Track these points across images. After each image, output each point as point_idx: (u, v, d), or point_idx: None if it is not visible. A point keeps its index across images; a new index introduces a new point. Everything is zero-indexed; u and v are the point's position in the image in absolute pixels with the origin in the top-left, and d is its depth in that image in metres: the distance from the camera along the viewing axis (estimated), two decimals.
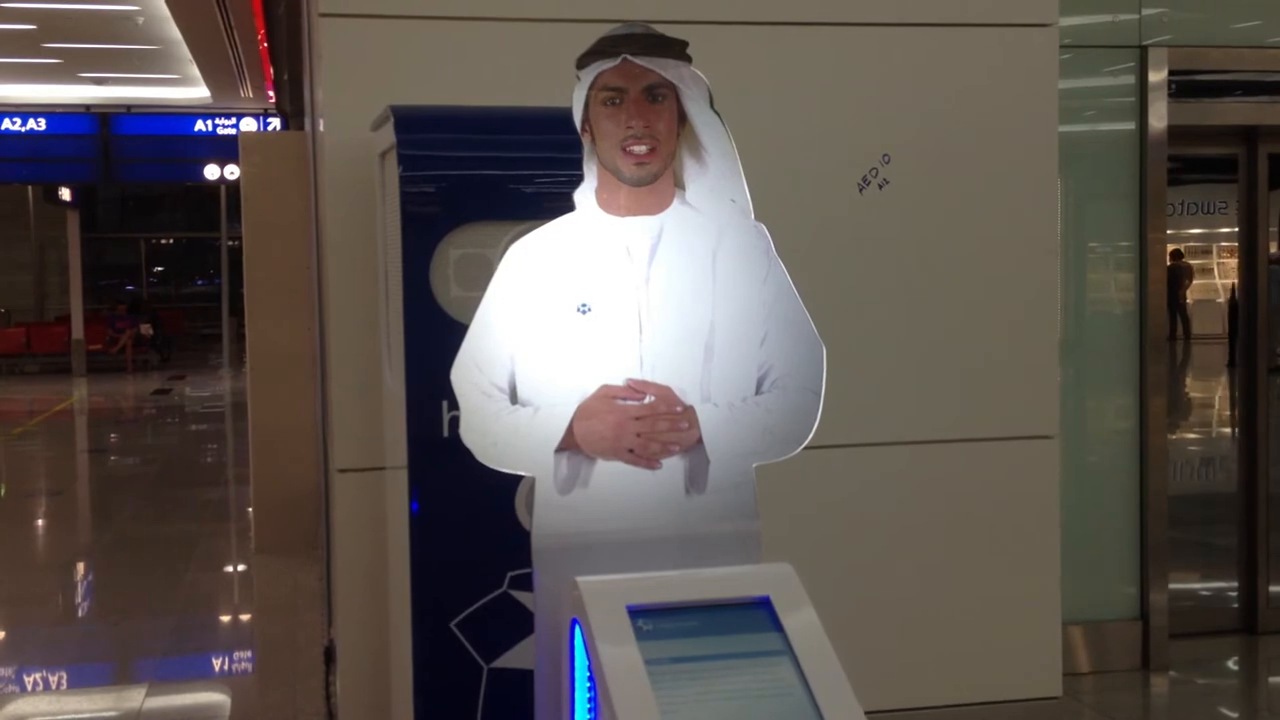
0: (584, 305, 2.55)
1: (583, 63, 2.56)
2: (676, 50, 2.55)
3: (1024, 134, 4.51)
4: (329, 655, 4.94)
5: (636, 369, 2.56)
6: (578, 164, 3.44)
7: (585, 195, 2.60)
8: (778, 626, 2.39)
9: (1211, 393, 14.49)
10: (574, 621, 2.44)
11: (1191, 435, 11.26)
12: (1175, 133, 5.83)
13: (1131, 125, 5.83)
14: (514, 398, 2.58)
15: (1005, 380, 4.50)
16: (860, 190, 4.26)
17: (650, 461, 2.56)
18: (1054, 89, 4.55)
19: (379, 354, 3.88)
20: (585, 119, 2.59)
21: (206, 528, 9.71)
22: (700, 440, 2.57)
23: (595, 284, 2.56)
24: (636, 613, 2.36)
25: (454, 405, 3.33)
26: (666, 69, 2.54)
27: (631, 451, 2.55)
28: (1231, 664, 6.31)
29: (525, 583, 3.39)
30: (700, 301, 2.57)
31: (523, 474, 2.60)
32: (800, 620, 2.37)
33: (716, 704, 2.24)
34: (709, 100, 2.56)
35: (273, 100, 17.38)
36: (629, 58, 2.52)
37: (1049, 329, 4.56)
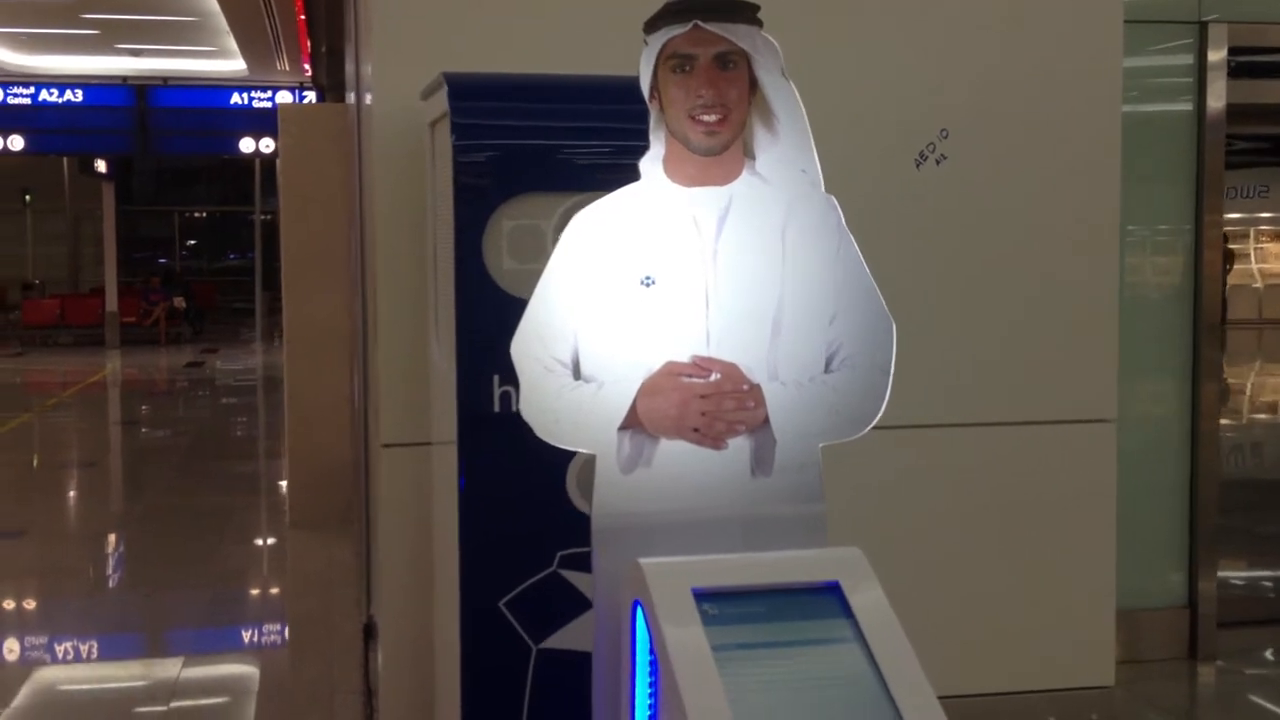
0: (648, 278, 2.47)
1: (651, 27, 2.48)
2: (748, 14, 2.46)
3: (1087, 112, 4.39)
4: (369, 632, 4.90)
5: (703, 345, 2.48)
6: (635, 134, 3.36)
7: (652, 164, 2.51)
8: (847, 612, 2.31)
9: (1249, 379, 14.38)
10: (635, 603, 2.37)
11: (1234, 421, 11.16)
12: (1231, 112, 5.71)
13: (1188, 105, 5.70)
14: (577, 373, 2.50)
15: (1064, 363, 4.40)
16: (917, 166, 4.16)
17: (716, 441, 2.48)
18: (1118, 64, 4.44)
19: (427, 328, 3.81)
20: (653, 86, 2.50)
21: (240, 501, 9.70)
22: (767, 420, 2.49)
23: (660, 256, 2.48)
24: (701, 596, 2.29)
25: (505, 380, 3.30)
26: (738, 35, 2.45)
27: (696, 431, 2.48)
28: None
29: (575, 562, 3.33)
30: (769, 276, 2.49)
31: (583, 451, 2.52)
32: (871, 606, 2.29)
33: (784, 692, 2.16)
34: (781, 67, 2.47)
35: (309, 74, 17.33)
36: (700, 23, 2.44)
37: (1109, 311, 4.45)
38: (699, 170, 2.48)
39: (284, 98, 19.05)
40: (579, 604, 3.31)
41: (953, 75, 4.27)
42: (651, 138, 2.52)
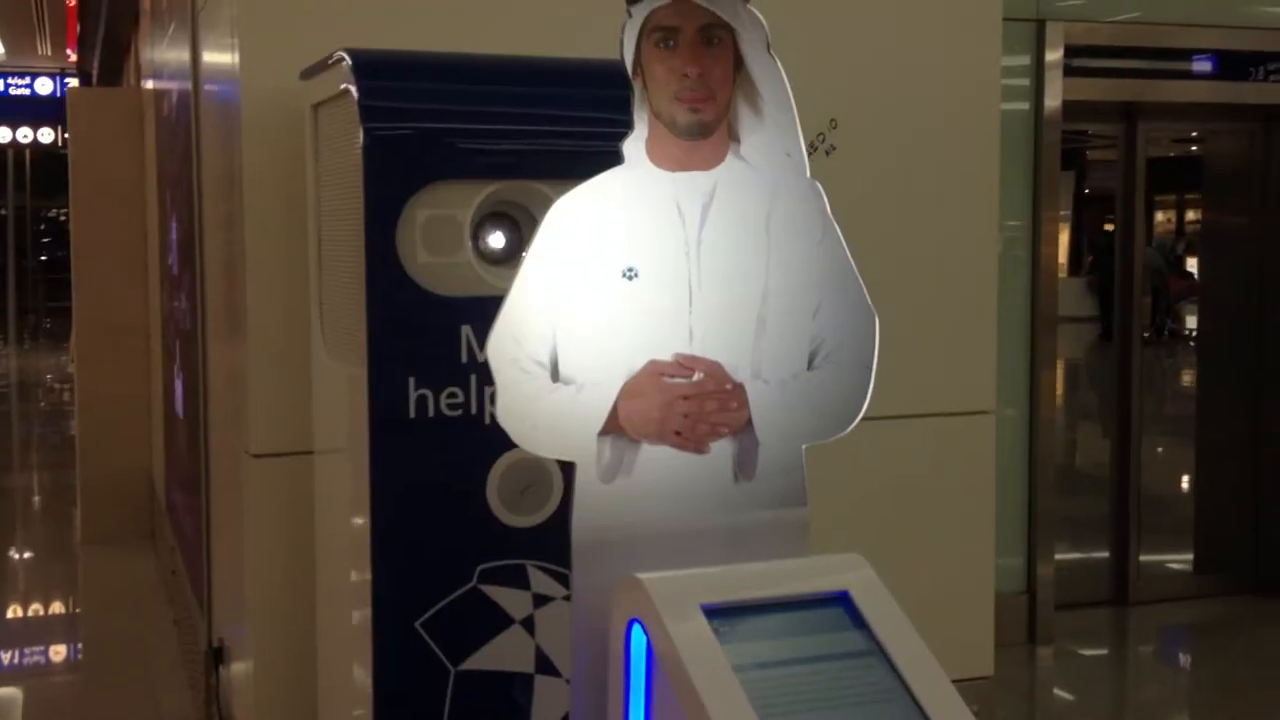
0: (630, 270, 2.29)
1: None
2: None
3: (966, 106, 4.39)
4: (218, 656, 4.54)
5: (686, 342, 2.31)
6: (554, 119, 3.20)
7: (635, 146, 2.32)
8: (859, 624, 2.18)
9: (1078, 371, 14.95)
10: (632, 622, 2.19)
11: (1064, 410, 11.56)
12: (1066, 110, 5.84)
13: (1025, 104, 5.80)
14: (555, 375, 2.29)
15: (945, 355, 4.38)
16: (808, 156, 4.07)
17: (698, 445, 2.32)
18: (997, 60, 4.45)
19: (308, 326, 3.52)
20: (637, 62, 2.31)
21: (24, 516, 9.03)
22: (750, 422, 2.34)
23: (643, 247, 2.29)
24: (710, 612, 2.12)
25: (422, 382, 3.06)
26: (723, 8, 2.28)
27: (678, 434, 2.31)
28: (1110, 634, 6.41)
29: (496, 577, 3.11)
30: (754, 268, 2.33)
31: (563, 458, 2.32)
32: (887, 616, 2.17)
33: (816, 712, 2.02)
34: (767, 43, 2.32)
35: (72, 60, 16.30)
36: None
37: (988, 304, 4.46)
38: (684, 154, 2.31)
39: (44, 85, 17.85)
40: (500, 621, 3.10)
41: (840, 65, 4.20)
42: (635, 117, 2.33)
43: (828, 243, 2.39)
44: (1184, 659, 6.36)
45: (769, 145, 2.35)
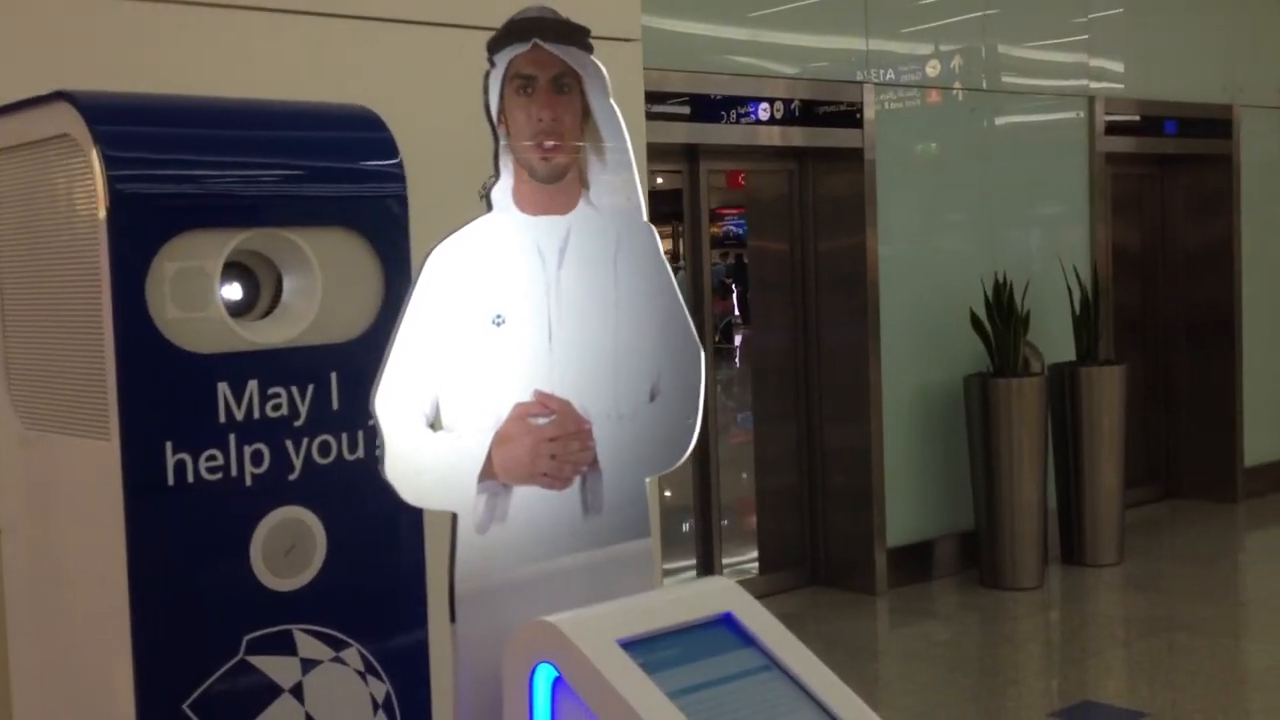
0: (499, 317, 2.30)
1: (494, 46, 2.31)
2: (581, 38, 2.36)
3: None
4: None
5: (547, 383, 2.35)
6: (292, 166, 3.08)
7: (502, 193, 2.34)
8: (748, 641, 2.30)
9: None
10: (538, 665, 2.19)
11: None
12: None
13: None
14: (437, 425, 2.26)
15: None
16: (481, 198, 4.11)
17: (564, 484, 2.37)
18: (640, 103, 4.68)
19: None
20: (501, 109, 2.33)
21: None
22: (595, 458, 2.41)
23: (509, 292, 2.32)
24: (624, 645, 2.17)
25: (181, 446, 2.85)
26: (572, 58, 2.35)
27: (545, 475, 2.35)
28: None
29: (264, 646, 2.95)
30: (605, 308, 2.41)
31: (447, 509, 2.29)
32: (773, 632, 2.30)
33: None
34: (609, 92, 2.41)
35: None
36: (539, 42, 2.31)
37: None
38: (545, 198, 2.36)
39: None
40: (270, 692, 2.94)
41: None
42: (500, 165, 2.34)
43: (661, 280, 2.50)
44: None
45: (612, 190, 2.44)
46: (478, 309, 2.29)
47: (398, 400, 2.23)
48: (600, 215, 2.44)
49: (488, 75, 2.32)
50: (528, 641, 2.21)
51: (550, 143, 2.34)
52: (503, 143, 2.35)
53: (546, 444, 2.33)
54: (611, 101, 2.41)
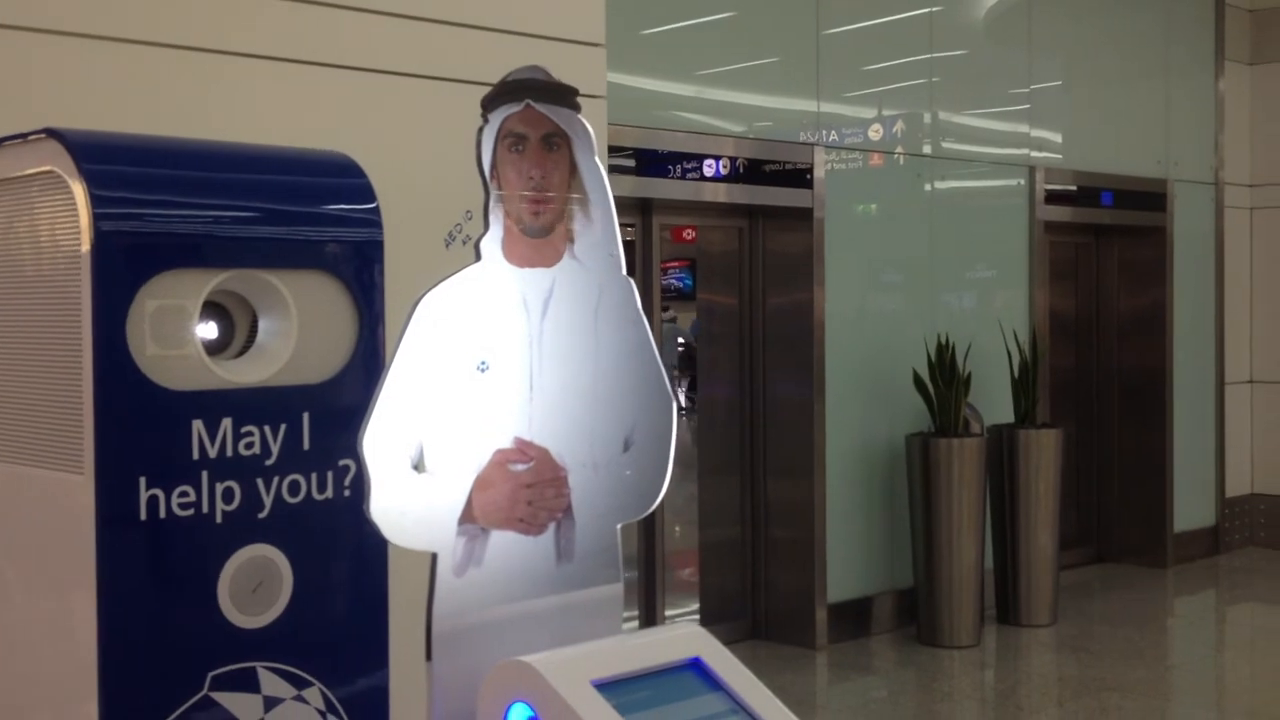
0: (483, 364, 2.37)
1: (489, 105, 2.40)
2: (569, 98, 2.46)
3: None
4: None
5: (525, 430, 2.42)
6: (271, 210, 3.13)
7: (491, 245, 2.42)
8: (715, 685, 2.37)
9: None
10: (512, 703, 2.25)
11: None
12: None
13: None
14: (421, 467, 2.32)
15: None
16: (447, 246, 4.19)
17: (540, 530, 2.44)
18: (605, 158, 4.76)
19: None
20: (493, 165, 2.41)
21: None
22: (569, 505, 2.49)
23: (494, 340, 2.39)
24: (599, 687, 2.24)
25: (154, 482, 2.88)
26: (561, 118, 2.44)
27: (522, 521, 2.41)
28: None
29: (228, 682, 2.98)
30: (585, 359, 2.49)
31: (429, 549, 2.34)
32: (739, 678, 2.37)
33: None
34: (595, 151, 2.50)
35: None
36: (531, 103, 2.40)
37: None
38: (532, 251, 2.44)
39: None
40: None
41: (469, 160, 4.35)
42: (490, 217, 2.42)
43: (639, 333, 2.59)
44: None
45: (596, 246, 2.53)
46: (463, 355, 2.36)
47: (384, 441, 2.29)
48: (583, 268, 2.52)
49: (481, 131, 2.41)
50: (503, 680, 2.26)
51: (540, 197, 2.43)
52: (494, 196, 2.44)
53: (524, 490, 2.40)
54: (596, 159, 2.50)
